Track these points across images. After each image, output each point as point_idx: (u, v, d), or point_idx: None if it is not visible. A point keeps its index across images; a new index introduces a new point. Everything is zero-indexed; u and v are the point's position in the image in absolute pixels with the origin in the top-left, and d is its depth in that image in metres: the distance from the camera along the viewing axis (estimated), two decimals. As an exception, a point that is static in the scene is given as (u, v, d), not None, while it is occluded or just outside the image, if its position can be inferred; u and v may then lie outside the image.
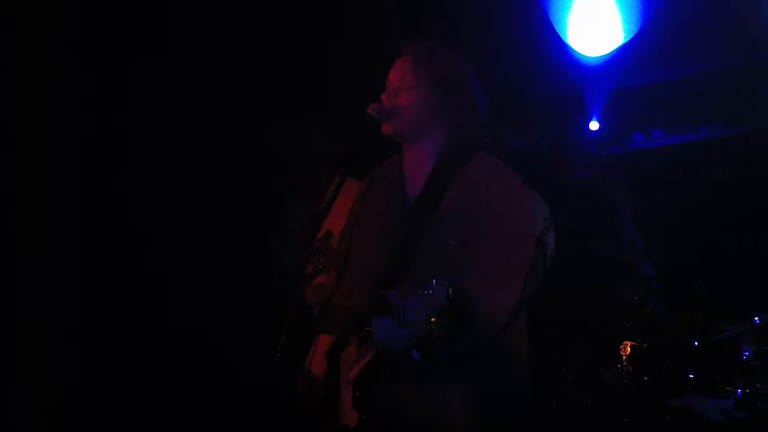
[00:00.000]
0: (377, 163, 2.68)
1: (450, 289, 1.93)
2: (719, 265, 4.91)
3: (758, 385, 3.60)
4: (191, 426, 4.22)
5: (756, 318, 3.67)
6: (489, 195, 2.28)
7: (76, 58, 3.93)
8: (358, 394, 2.25)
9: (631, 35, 4.78)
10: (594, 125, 5.44)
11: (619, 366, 4.05)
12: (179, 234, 4.39)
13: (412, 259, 2.30)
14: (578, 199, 5.17)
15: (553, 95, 5.21)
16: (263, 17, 4.31)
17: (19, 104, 3.77)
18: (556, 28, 4.82)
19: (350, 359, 2.38)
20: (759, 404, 3.54)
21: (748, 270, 4.59)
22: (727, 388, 3.72)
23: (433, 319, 1.97)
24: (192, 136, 4.52)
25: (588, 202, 5.15)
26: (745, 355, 3.70)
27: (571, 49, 4.91)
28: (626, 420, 3.88)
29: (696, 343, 3.93)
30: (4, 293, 3.77)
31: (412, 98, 2.42)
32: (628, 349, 4.02)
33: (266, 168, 4.39)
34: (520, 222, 2.29)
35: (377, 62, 2.65)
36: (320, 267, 3.07)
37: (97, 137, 4.13)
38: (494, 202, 2.26)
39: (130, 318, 4.27)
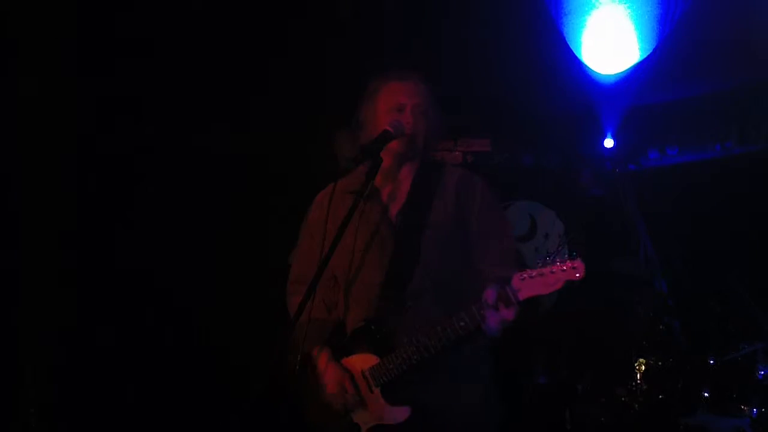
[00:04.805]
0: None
1: None
2: (734, 282, 4.90)
3: (774, 405, 3.60)
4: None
5: (771, 336, 3.68)
6: (480, 200, 2.65)
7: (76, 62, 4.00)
8: (392, 394, 2.45)
9: (647, 54, 4.82)
10: (609, 142, 5.46)
11: (633, 384, 4.06)
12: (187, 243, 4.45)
13: (412, 265, 2.52)
14: (593, 216, 5.20)
15: (568, 113, 5.24)
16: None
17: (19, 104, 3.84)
18: (571, 47, 4.87)
19: (367, 365, 2.51)
20: (774, 424, 3.54)
21: (764, 287, 4.58)
22: (742, 407, 3.72)
23: None
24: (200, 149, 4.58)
25: (603, 219, 5.18)
26: (761, 374, 3.69)
27: (587, 67, 4.95)
28: (640, 438, 3.89)
29: (711, 362, 3.92)
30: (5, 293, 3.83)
31: (426, 124, 2.62)
32: (643, 366, 4.02)
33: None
34: (501, 216, 2.83)
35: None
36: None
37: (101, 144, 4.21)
38: (485, 206, 2.65)
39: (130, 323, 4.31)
